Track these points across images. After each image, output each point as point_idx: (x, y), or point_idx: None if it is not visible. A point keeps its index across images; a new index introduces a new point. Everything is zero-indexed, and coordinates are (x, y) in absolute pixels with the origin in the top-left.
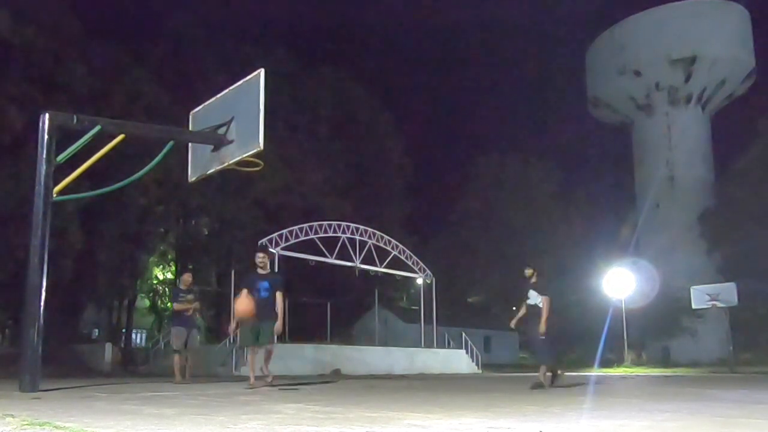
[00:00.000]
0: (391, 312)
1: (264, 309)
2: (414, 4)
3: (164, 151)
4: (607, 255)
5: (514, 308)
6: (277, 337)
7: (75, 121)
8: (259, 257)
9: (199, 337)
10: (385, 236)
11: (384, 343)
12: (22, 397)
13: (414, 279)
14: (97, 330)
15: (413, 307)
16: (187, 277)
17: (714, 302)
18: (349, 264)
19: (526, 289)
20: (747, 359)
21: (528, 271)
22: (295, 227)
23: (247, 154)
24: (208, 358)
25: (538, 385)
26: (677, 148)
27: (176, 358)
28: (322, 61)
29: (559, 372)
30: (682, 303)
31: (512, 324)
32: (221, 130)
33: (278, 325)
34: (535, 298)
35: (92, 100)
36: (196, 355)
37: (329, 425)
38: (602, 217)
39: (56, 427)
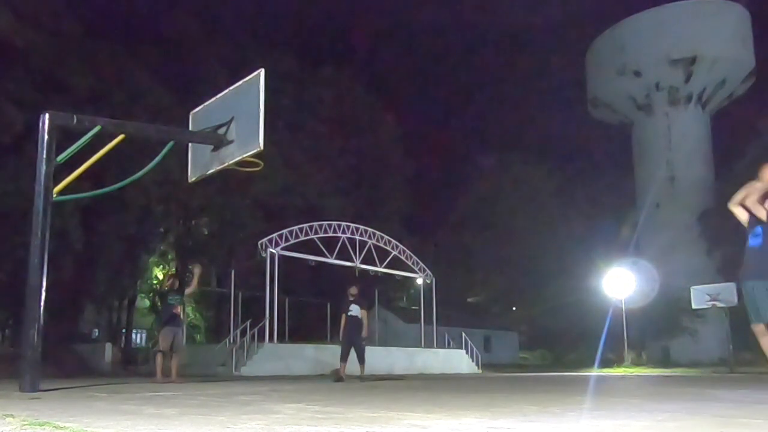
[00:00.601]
0: (391, 312)
1: None
2: (414, 5)
3: (164, 151)
4: (607, 255)
5: (514, 308)
6: (278, 337)
7: (75, 121)
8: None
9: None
10: (385, 236)
11: (384, 343)
12: (22, 397)
13: (414, 279)
14: (97, 330)
15: (413, 307)
16: (174, 280)
17: (714, 302)
18: (349, 264)
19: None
20: (747, 359)
21: (353, 290)
22: (295, 227)
23: (247, 154)
24: (208, 358)
25: (339, 379)
26: (677, 148)
27: (159, 357)
28: (322, 61)
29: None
30: (682, 303)
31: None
32: (221, 130)
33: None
34: (356, 311)
35: (92, 100)
36: (184, 354)
37: (329, 425)
38: (602, 217)
39: (56, 427)
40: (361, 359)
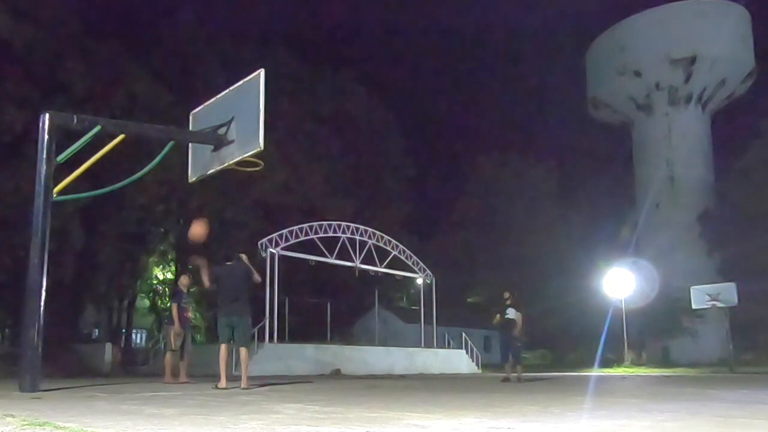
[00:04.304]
0: (391, 312)
1: None
2: (414, 5)
3: (164, 151)
4: (607, 255)
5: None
6: (278, 337)
7: (75, 121)
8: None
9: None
10: (385, 236)
11: (384, 343)
12: (22, 397)
13: (414, 279)
14: (97, 330)
15: (413, 307)
16: (187, 279)
17: (714, 302)
18: (349, 264)
19: (504, 307)
20: (747, 359)
21: (507, 295)
22: (295, 227)
23: (247, 155)
24: (208, 357)
25: (506, 379)
26: (677, 148)
27: (169, 357)
28: (322, 61)
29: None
30: (682, 303)
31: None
32: (221, 131)
33: None
34: (512, 314)
35: (92, 100)
36: (190, 355)
37: (329, 425)
38: (602, 217)
39: (56, 427)
40: (517, 360)
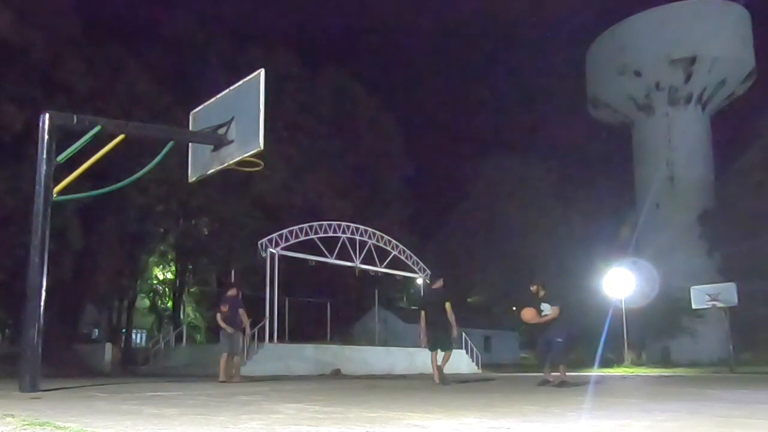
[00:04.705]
0: (391, 312)
1: None
2: (414, 5)
3: (164, 151)
4: (607, 255)
5: (514, 308)
6: (278, 337)
7: (75, 121)
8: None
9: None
10: (385, 236)
11: (384, 343)
12: (22, 397)
13: (414, 279)
14: (97, 330)
15: (413, 307)
16: (234, 291)
17: (714, 302)
18: (349, 264)
19: (537, 303)
20: (747, 359)
21: (534, 288)
22: (295, 227)
23: (247, 154)
24: (208, 358)
25: (545, 382)
26: (677, 148)
27: (237, 359)
28: (322, 61)
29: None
30: (682, 303)
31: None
32: (221, 130)
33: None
34: (548, 309)
35: (92, 100)
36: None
37: (329, 425)
38: (602, 217)
39: (56, 427)
40: (560, 359)
